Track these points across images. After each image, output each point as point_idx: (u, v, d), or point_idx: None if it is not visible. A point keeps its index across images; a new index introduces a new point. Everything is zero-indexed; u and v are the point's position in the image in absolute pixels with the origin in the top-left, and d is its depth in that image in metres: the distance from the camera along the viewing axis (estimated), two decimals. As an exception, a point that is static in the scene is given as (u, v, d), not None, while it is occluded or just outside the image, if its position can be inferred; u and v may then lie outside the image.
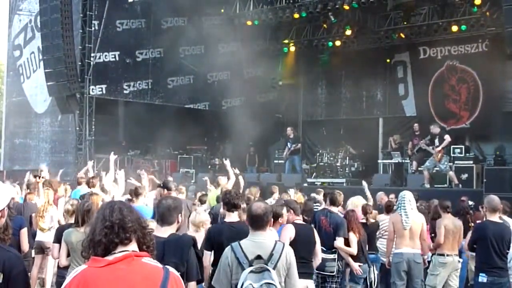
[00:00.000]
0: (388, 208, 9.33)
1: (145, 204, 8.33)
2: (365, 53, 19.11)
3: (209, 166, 19.63)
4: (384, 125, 20.49)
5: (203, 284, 5.20)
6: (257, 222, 4.31)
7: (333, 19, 18.08)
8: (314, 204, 9.08)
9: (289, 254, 4.25)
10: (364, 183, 11.54)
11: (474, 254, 7.28)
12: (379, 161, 18.53)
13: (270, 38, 20.64)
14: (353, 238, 7.67)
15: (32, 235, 8.24)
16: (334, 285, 7.39)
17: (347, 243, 7.61)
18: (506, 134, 17.11)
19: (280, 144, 20.79)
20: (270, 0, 18.61)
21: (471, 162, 15.59)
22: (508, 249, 6.83)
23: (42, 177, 9.21)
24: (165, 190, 8.69)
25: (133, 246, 2.57)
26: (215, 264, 5.00)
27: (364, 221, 8.78)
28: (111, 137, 18.60)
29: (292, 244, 5.85)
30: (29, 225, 8.17)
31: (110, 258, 2.50)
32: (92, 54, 17.67)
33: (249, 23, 19.01)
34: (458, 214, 9.43)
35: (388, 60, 20.21)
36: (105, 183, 9.20)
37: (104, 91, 18.13)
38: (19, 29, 21.53)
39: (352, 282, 8.17)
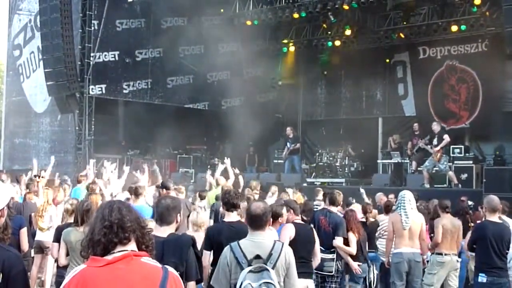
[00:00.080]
0: (387, 208, 9.34)
1: (146, 202, 8.33)
2: (364, 53, 19.10)
3: (209, 166, 19.59)
4: (384, 125, 20.49)
5: (202, 284, 5.20)
6: (256, 222, 4.31)
7: (332, 19, 18.07)
8: (315, 204, 9.11)
9: (288, 253, 4.25)
10: (361, 189, 11.54)
11: (474, 254, 7.29)
12: (379, 161, 18.54)
13: (270, 38, 20.64)
14: (353, 237, 7.68)
15: (32, 235, 8.25)
16: (333, 285, 7.40)
17: (346, 242, 7.62)
18: (506, 134, 17.11)
19: (280, 144, 20.79)
20: (269, 0, 18.60)
21: (471, 162, 15.58)
22: (508, 249, 6.83)
23: (42, 177, 9.21)
24: (164, 190, 8.69)
25: (132, 246, 2.57)
26: (214, 263, 5.01)
27: (363, 220, 8.80)
28: (111, 137, 18.61)
29: (292, 243, 5.86)
30: (29, 224, 8.18)
31: (109, 257, 2.50)
32: (92, 54, 17.67)
33: (248, 23, 19.00)
34: (457, 214, 9.44)
35: (387, 60, 20.22)
36: (105, 193, 9.20)
37: (103, 91, 18.13)
38: (19, 28, 21.53)
39: (352, 282, 8.18)
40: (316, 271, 6.80)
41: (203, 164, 19.80)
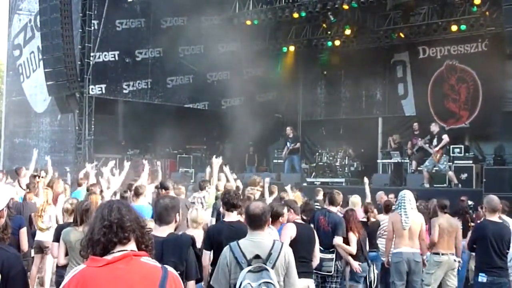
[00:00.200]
0: (387, 208, 9.34)
1: (148, 203, 8.32)
2: (364, 52, 19.10)
3: (209, 166, 19.58)
4: (384, 125, 20.50)
5: (202, 283, 5.20)
6: (255, 221, 4.31)
7: (332, 18, 18.07)
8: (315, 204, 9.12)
9: (288, 253, 4.25)
10: (366, 179, 11.52)
11: (474, 254, 7.29)
12: (379, 160, 18.55)
13: (270, 38, 20.65)
14: (353, 237, 7.67)
15: (32, 235, 8.24)
16: (333, 285, 7.39)
17: (346, 242, 7.61)
18: (506, 133, 17.11)
19: (280, 144, 20.80)
20: (269, 0, 18.60)
21: (471, 161, 15.59)
22: (508, 249, 6.82)
23: (42, 177, 9.21)
24: (163, 190, 8.69)
25: (131, 246, 2.57)
26: (214, 263, 5.01)
27: (365, 219, 8.79)
28: (111, 136, 18.61)
29: (292, 243, 5.86)
30: (29, 224, 8.17)
31: (108, 257, 2.50)
32: (92, 54, 17.67)
33: (248, 22, 19.00)
34: (457, 214, 9.43)
35: (387, 60, 20.23)
36: (105, 195, 9.19)
37: (103, 91, 18.13)
38: (18, 28, 21.53)
39: (352, 281, 8.17)
40: (315, 271, 6.80)
41: (203, 164, 19.76)
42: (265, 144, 21.57)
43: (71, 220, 6.37)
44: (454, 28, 17.18)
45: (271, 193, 10.16)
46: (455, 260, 8.09)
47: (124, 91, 18.61)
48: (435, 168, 15.22)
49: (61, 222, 7.55)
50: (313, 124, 22.09)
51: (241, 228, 5.03)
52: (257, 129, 18.23)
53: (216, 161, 9.85)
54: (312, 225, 7.22)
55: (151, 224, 4.55)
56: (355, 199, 9.18)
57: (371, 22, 18.64)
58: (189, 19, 19.18)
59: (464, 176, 15.13)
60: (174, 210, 4.39)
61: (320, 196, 10.77)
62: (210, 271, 5.27)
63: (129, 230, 2.57)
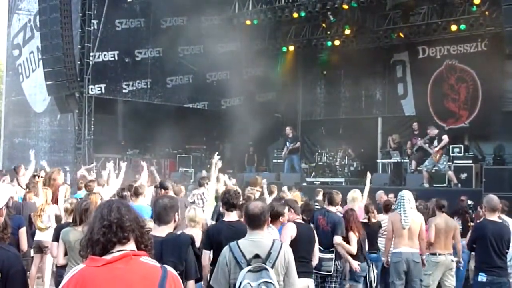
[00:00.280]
0: (386, 208, 9.32)
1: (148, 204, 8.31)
2: (364, 52, 19.09)
3: (208, 166, 19.56)
4: (383, 125, 20.50)
5: (202, 283, 5.20)
6: (255, 221, 4.31)
7: (332, 18, 18.07)
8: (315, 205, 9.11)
9: (287, 252, 4.25)
10: (368, 174, 11.42)
11: (474, 253, 7.28)
12: (378, 160, 18.54)
13: (269, 38, 20.65)
14: (353, 237, 7.65)
15: (31, 235, 8.24)
16: (333, 285, 7.39)
17: (346, 242, 7.60)
18: (505, 133, 17.11)
19: (279, 144, 20.79)
20: (269, 0, 18.60)
21: (470, 161, 15.58)
22: (508, 249, 6.82)
23: (41, 177, 9.20)
24: (162, 190, 8.68)
25: (131, 246, 2.57)
26: (214, 263, 5.00)
27: (366, 220, 8.75)
28: (110, 136, 18.62)
29: (292, 243, 5.87)
30: (29, 224, 8.17)
31: (108, 257, 2.50)
32: (91, 54, 17.66)
33: (248, 22, 18.99)
34: (457, 213, 9.44)
35: (387, 60, 20.23)
36: (104, 192, 9.17)
37: (103, 91, 18.12)
38: (18, 28, 21.52)
39: (352, 281, 8.16)
40: (314, 270, 6.80)
41: (202, 164, 19.79)
42: (264, 144, 21.57)
43: (70, 219, 6.36)
44: (453, 28, 17.18)
45: (270, 192, 10.16)
46: (452, 261, 8.09)
47: (124, 91, 18.60)
48: (434, 168, 15.22)
49: (63, 215, 7.52)
50: (313, 124, 22.09)
51: (240, 227, 5.03)
52: (257, 129, 18.23)
53: (216, 159, 9.84)
54: (311, 225, 7.22)
55: (150, 224, 4.55)
56: (355, 194, 9.09)
57: (371, 22, 18.64)
58: (188, 19, 19.18)
59: (463, 176, 15.13)
60: (173, 210, 4.39)
61: (320, 197, 10.76)
62: (209, 270, 5.27)
63: (128, 230, 2.56)
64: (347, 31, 18.79)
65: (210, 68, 20.06)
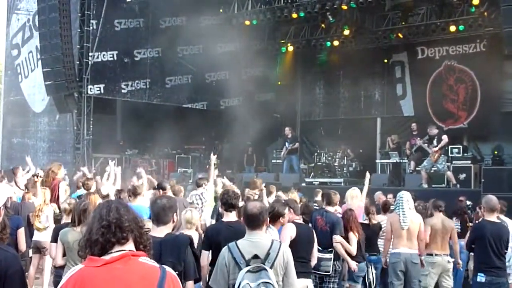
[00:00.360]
0: (385, 208, 9.31)
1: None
2: (363, 53, 19.10)
3: (207, 166, 19.57)
4: (382, 125, 20.51)
5: (201, 283, 5.20)
6: (253, 221, 4.31)
7: (331, 19, 18.08)
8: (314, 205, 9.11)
9: (286, 253, 4.25)
10: (367, 174, 11.40)
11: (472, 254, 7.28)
12: (377, 161, 18.56)
13: (268, 38, 20.65)
14: (353, 237, 7.62)
15: (30, 235, 8.23)
16: (332, 285, 7.38)
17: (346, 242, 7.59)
18: (504, 134, 17.11)
19: (278, 144, 20.80)
20: (268, 0, 18.60)
21: (469, 162, 15.59)
22: (506, 249, 6.83)
23: (40, 177, 9.20)
24: (161, 190, 8.68)
25: (130, 246, 2.56)
26: (213, 263, 5.00)
27: (366, 221, 8.71)
28: (109, 136, 18.61)
29: (292, 243, 5.87)
30: (27, 225, 8.16)
31: (107, 257, 2.49)
32: (90, 54, 17.66)
33: (247, 22, 18.99)
34: (455, 214, 9.43)
35: (386, 60, 20.24)
36: (103, 189, 9.17)
37: (102, 91, 18.11)
38: (17, 28, 21.50)
39: (351, 281, 8.15)
40: (313, 271, 6.79)
41: (201, 164, 19.80)
42: (263, 144, 21.57)
43: (69, 220, 6.35)
44: (452, 28, 17.18)
45: (269, 193, 10.16)
46: (449, 261, 8.09)
47: (123, 91, 18.60)
48: (433, 168, 15.22)
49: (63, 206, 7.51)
50: (312, 124, 22.10)
51: (239, 228, 5.02)
52: (256, 129, 18.23)
53: (214, 158, 9.84)
54: (310, 225, 7.22)
55: (148, 224, 4.55)
56: (353, 192, 9.05)
57: (370, 23, 18.65)
58: (188, 19, 19.18)
59: (462, 176, 15.13)
60: (171, 210, 4.38)
61: (319, 197, 10.73)
62: (208, 271, 5.27)
63: (127, 230, 2.56)
64: (346, 32, 18.78)
65: (209, 68, 20.05)
